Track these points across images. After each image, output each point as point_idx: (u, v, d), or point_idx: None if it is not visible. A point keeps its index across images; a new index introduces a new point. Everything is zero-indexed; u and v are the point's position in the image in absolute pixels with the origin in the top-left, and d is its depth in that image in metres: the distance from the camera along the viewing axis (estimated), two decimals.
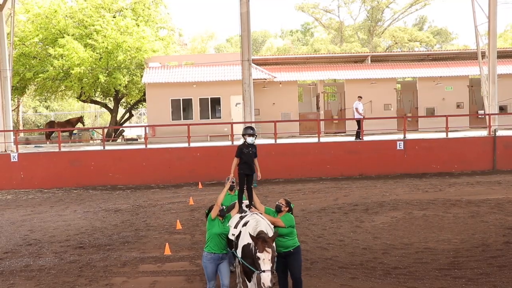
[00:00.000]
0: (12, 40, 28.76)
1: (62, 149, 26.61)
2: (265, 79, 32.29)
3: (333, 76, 35.09)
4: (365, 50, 55.53)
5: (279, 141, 26.13)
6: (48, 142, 34.06)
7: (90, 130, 40.69)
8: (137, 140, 37.24)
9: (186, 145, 25.63)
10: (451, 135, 26.69)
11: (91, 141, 37.07)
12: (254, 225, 8.35)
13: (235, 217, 9.15)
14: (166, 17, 41.58)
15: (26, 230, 16.16)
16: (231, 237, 8.83)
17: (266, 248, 7.72)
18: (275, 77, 32.65)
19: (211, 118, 31.77)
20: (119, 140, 38.99)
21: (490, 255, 11.88)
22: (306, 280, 10.06)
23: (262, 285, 7.65)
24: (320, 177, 24.52)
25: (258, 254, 7.75)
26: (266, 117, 30.87)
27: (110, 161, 25.21)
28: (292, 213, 9.10)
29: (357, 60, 38.22)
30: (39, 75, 33.70)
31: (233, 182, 10.32)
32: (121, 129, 40.60)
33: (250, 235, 8.04)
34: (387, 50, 59.03)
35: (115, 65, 34.06)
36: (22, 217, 18.33)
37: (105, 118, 52.58)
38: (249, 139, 9.88)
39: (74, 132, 36.45)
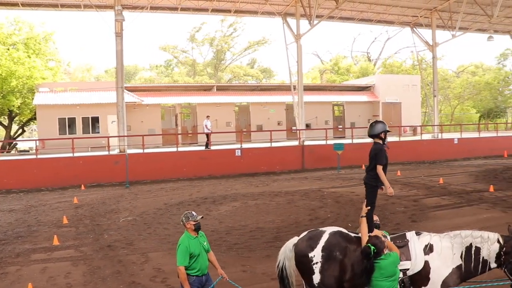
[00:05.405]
0: None
1: None
2: (135, 102, 31.36)
3: (188, 101, 35.00)
4: (212, 82, 56.01)
5: (146, 150, 25.50)
6: None
7: None
8: (29, 151, 34.22)
9: (71, 155, 24.04)
10: (274, 144, 27.85)
11: None
12: (464, 240, 5.39)
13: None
14: (54, 51, 38.82)
15: None
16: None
17: None
18: (143, 101, 31.82)
19: (92, 133, 30.15)
20: (13, 152, 35.62)
21: (301, 229, 12.42)
22: (166, 256, 9.95)
23: None
24: (178, 177, 24.25)
25: None
26: (136, 132, 29.85)
27: (5, 169, 22.86)
28: None
29: (206, 89, 38.44)
30: None
31: (196, 221, 6.09)
32: (14, 142, 37.14)
33: None
34: (228, 82, 60.07)
35: (9, 89, 31.13)
36: None
37: (0, 133, 47.74)
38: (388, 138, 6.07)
39: None
